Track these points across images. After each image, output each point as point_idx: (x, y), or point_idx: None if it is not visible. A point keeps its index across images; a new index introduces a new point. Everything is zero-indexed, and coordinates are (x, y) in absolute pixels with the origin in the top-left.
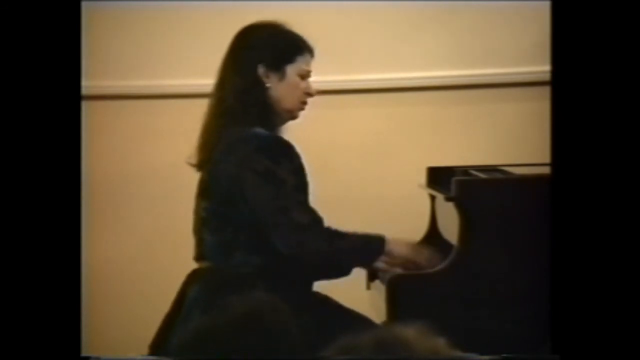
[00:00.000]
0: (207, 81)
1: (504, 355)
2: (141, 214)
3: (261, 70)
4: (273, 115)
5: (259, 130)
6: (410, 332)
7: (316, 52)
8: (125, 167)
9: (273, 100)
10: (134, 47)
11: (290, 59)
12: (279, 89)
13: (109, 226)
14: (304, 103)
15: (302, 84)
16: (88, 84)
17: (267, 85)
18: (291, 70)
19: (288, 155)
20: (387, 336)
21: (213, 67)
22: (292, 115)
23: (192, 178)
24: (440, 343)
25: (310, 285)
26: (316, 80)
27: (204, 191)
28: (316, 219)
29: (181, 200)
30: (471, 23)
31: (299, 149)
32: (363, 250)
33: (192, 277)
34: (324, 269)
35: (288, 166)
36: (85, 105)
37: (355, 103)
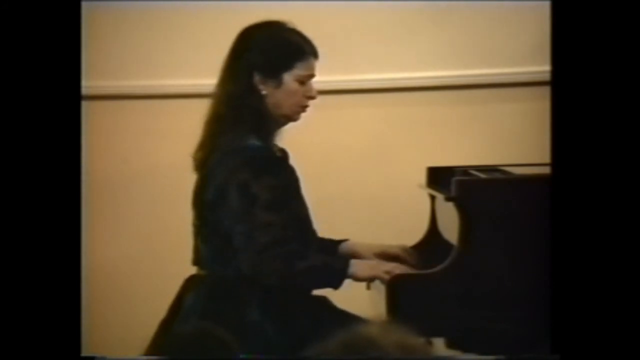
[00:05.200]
0: (207, 81)
1: (504, 355)
2: (141, 214)
3: (257, 77)
4: (268, 122)
5: (253, 141)
6: (375, 329)
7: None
8: (125, 167)
9: (269, 107)
10: (134, 47)
11: (287, 66)
12: (276, 95)
13: (109, 226)
14: (305, 106)
15: (302, 89)
16: (88, 84)
17: (263, 92)
18: (288, 77)
19: (272, 170)
20: (352, 337)
21: (213, 67)
22: (291, 119)
23: (192, 178)
24: (406, 336)
25: (305, 291)
26: (316, 80)
27: (196, 198)
28: (278, 240)
29: (181, 201)
30: (471, 23)
31: (298, 150)
32: (324, 273)
33: (189, 283)
34: (286, 288)
35: (267, 182)
36: (85, 105)
37: (355, 103)
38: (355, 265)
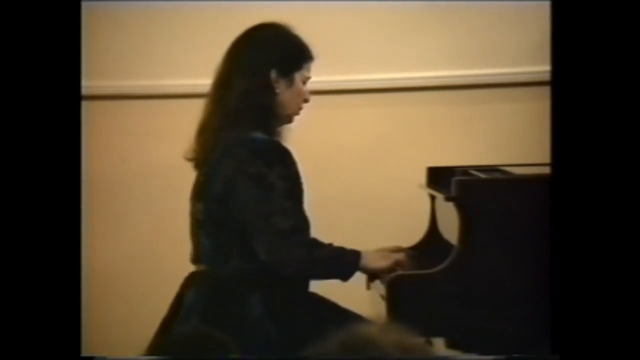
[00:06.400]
0: (207, 81)
1: (504, 355)
2: (141, 214)
3: (273, 75)
4: (275, 120)
5: (257, 134)
6: (374, 329)
7: (316, 52)
8: (125, 167)
9: (278, 105)
10: (134, 47)
11: (299, 66)
12: (286, 94)
13: (109, 226)
14: (301, 108)
15: (304, 90)
16: (88, 84)
17: (277, 91)
18: (298, 77)
19: (282, 160)
20: (351, 337)
21: (213, 67)
22: (290, 120)
23: (192, 178)
24: (405, 336)
25: (306, 287)
26: (316, 80)
27: (200, 193)
28: (298, 227)
29: (181, 200)
30: (471, 23)
31: (298, 150)
32: (339, 262)
33: (190, 280)
34: (303, 276)
35: (280, 171)
36: (85, 105)
37: (355, 103)
38: (366, 257)
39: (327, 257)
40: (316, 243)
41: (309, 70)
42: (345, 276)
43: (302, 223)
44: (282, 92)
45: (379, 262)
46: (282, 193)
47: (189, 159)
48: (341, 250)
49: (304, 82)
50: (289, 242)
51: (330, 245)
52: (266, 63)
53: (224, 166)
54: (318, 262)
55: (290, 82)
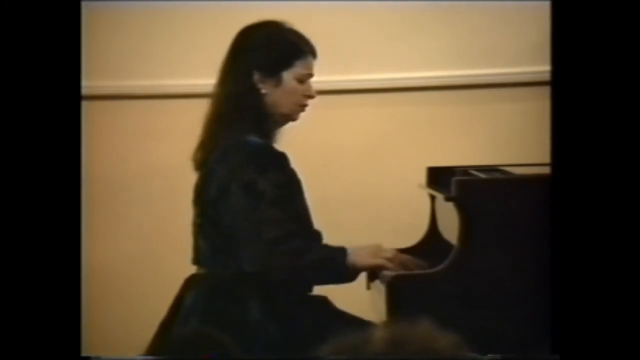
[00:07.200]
0: (207, 81)
1: (504, 355)
2: (141, 214)
3: (256, 76)
4: (268, 121)
5: (253, 138)
6: (381, 333)
7: (316, 51)
8: (125, 167)
9: (269, 106)
10: (134, 47)
11: (287, 65)
12: (275, 94)
13: (109, 226)
14: (304, 105)
15: (301, 88)
16: (88, 84)
17: (263, 91)
18: (288, 75)
19: (276, 166)
20: (347, 342)
21: (213, 67)
22: (291, 118)
23: (192, 178)
24: (436, 336)
25: (308, 289)
26: (316, 80)
27: (198, 196)
28: (286, 235)
29: (181, 200)
30: (471, 23)
31: (298, 149)
32: (329, 265)
33: (190, 283)
34: (294, 283)
35: (273, 178)
36: (85, 105)
37: (355, 103)
38: (353, 254)
39: (315, 261)
40: (306, 248)
41: (307, 67)
42: (337, 279)
43: (292, 230)
44: (270, 92)
45: (367, 260)
46: (271, 201)
47: (193, 159)
48: (330, 252)
49: (301, 80)
50: (275, 251)
51: (318, 249)
52: (248, 64)
53: (219, 170)
54: (306, 268)
55: (278, 82)
